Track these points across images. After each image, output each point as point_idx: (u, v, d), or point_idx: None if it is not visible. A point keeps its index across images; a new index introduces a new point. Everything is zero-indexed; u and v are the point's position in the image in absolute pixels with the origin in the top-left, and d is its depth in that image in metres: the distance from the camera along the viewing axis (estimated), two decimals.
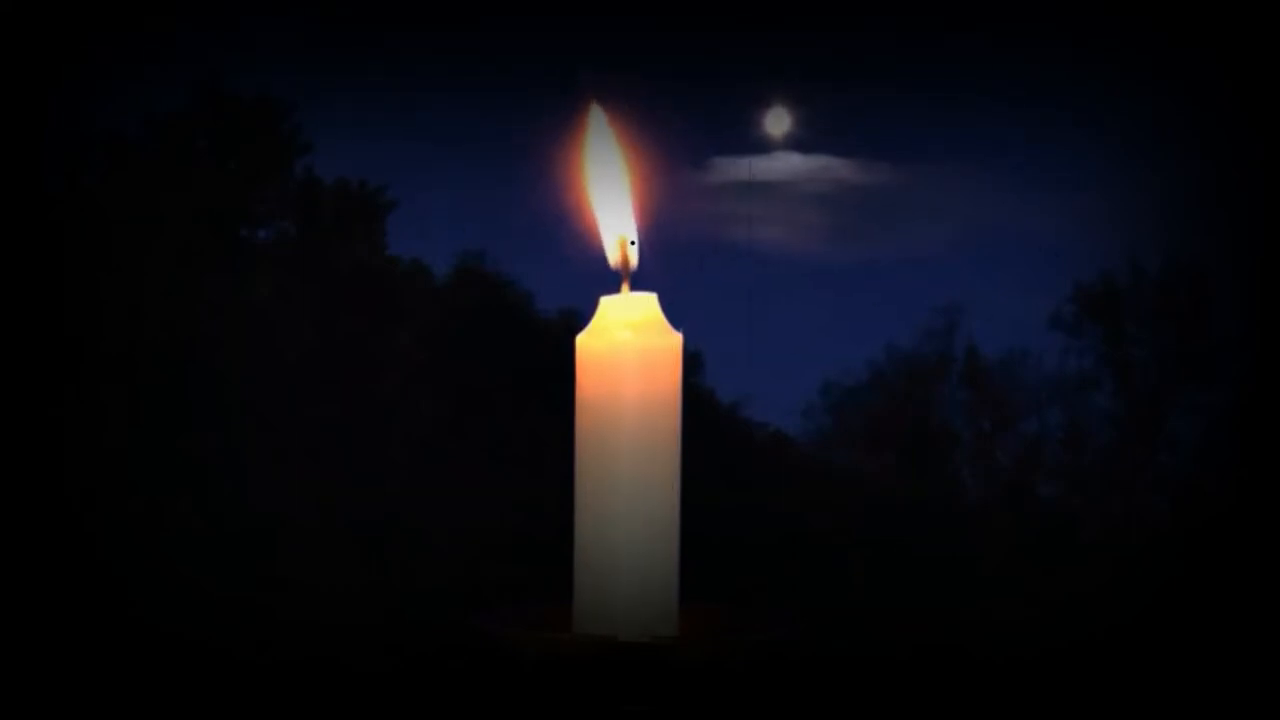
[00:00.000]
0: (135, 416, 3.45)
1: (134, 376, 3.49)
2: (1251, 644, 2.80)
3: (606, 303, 0.72)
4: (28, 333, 3.14)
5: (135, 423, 3.44)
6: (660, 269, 0.74)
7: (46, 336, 3.21)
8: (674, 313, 0.72)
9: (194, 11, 3.58)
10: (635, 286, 0.73)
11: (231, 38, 3.75)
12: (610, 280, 0.73)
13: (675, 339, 0.72)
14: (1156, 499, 4.49)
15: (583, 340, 0.72)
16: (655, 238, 0.74)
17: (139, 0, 3.44)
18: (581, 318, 0.71)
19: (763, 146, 4.14)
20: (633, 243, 0.72)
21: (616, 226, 0.75)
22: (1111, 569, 3.72)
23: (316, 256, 4.19)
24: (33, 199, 3.24)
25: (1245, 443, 3.62)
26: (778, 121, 3.98)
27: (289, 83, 4.10)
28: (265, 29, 3.72)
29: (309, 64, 3.90)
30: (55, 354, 3.25)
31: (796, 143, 4.15)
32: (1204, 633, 2.92)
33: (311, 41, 3.81)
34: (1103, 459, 4.57)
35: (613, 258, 0.73)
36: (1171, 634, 2.98)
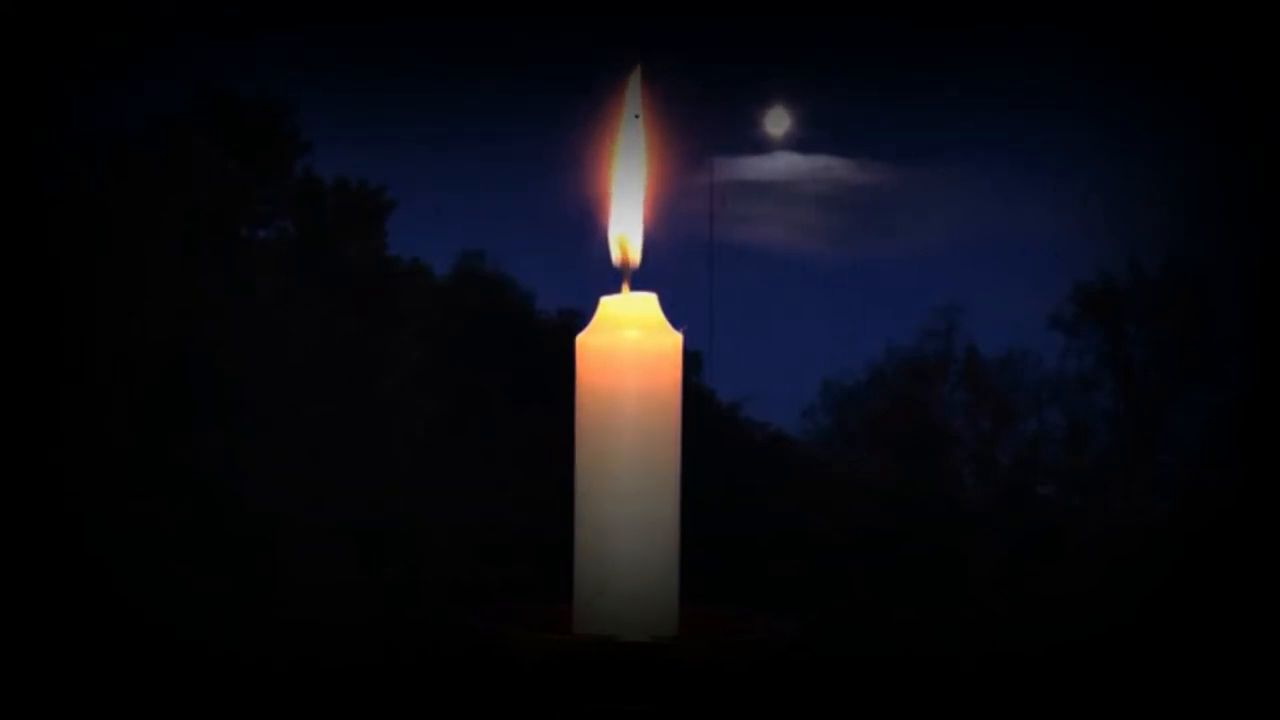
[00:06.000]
0: (135, 416, 3.45)
1: (134, 376, 3.49)
2: (1252, 644, 2.80)
3: (606, 303, 0.72)
4: (27, 333, 3.14)
5: (135, 423, 3.44)
6: (660, 269, 0.74)
7: (46, 337, 3.21)
8: (674, 313, 0.72)
9: (194, 11, 3.58)
10: (635, 286, 0.73)
11: (231, 38, 3.75)
12: (610, 280, 0.73)
13: (675, 339, 0.72)
14: (1156, 499, 4.49)
15: (583, 340, 0.72)
16: (657, 238, 0.74)
17: (139, 0, 3.44)
18: (581, 318, 0.71)
19: (763, 146, 4.13)
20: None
21: (621, 223, 0.75)
22: (1111, 568, 3.72)
23: (316, 256, 4.19)
24: (31, 199, 3.24)
25: (1245, 443, 3.62)
26: (778, 121, 3.98)
27: (288, 82, 4.09)
28: (265, 29, 3.72)
29: (309, 64, 3.90)
30: (55, 354, 3.25)
31: (796, 143, 4.14)
32: (1204, 632, 2.92)
33: (311, 41, 3.81)
34: (1103, 459, 4.56)
35: (614, 256, 0.73)
36: (1171, 634, 2.98)
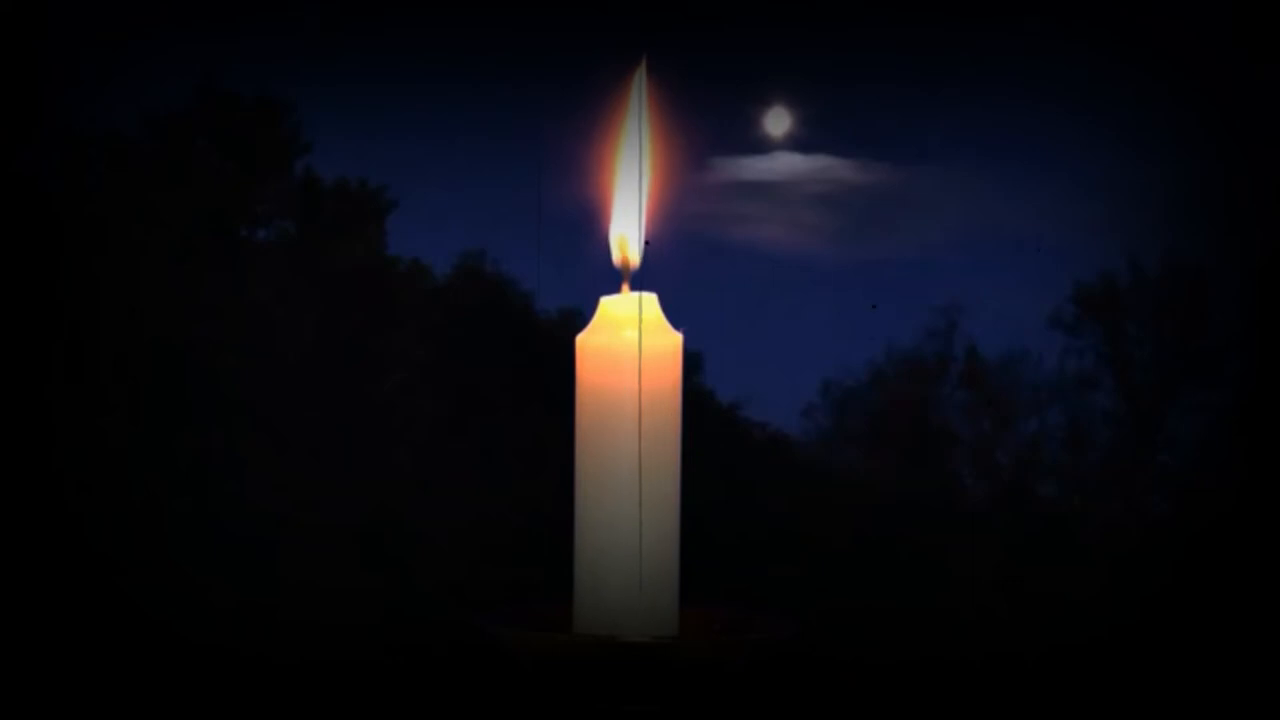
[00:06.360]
0: (135, 416, 3.45)
1: (134, 376, 3.49)
2: (1252, 644, 2.80)
3: (606, 302, 0.72)
4: (26, 333, 3.14)
5: (135, 423, 3.44)
6: (660, 269, 0.74)
7: (46, 336, 3.21)
8: (674, 313, 0.72)
9: (194, 11, 3.58)
10: (635, 286, 0.73)
11: (231, 37, 3.74)
12: (610, 280, 0.73)
13: (675, 339, 0.72)
14: (1156, 499, 4.49)
15: (583, 340, 0.72)
16: (656, 237, 0.74)
17: (139, 1, 3.44)
18: (582, 318, 0.72)
19: (763, 146, 4.13)
20: (647, 242, 0.73)
21: (621, 223, 0.75)
22: (1111, 569, 3.72)
23: (316, 256, 4.19)
24: (30, 199, 3.24)
25: (1245, 443, 3.62)
26: (778, 121, 3.97)
27: (289, 82, 4.09)
28: (265, 28, 3.72)
29: (309, 64, 3.90)
30: (55, 354, 3.25)
31: (796, 143, 4.14)
32: (1204, 633, 2.92)
33: (311, 41, 3.81)
34: (1103, 459, 4.56)
35: (614, 256, 0.73)
36: (1172, 634, 2.98)
